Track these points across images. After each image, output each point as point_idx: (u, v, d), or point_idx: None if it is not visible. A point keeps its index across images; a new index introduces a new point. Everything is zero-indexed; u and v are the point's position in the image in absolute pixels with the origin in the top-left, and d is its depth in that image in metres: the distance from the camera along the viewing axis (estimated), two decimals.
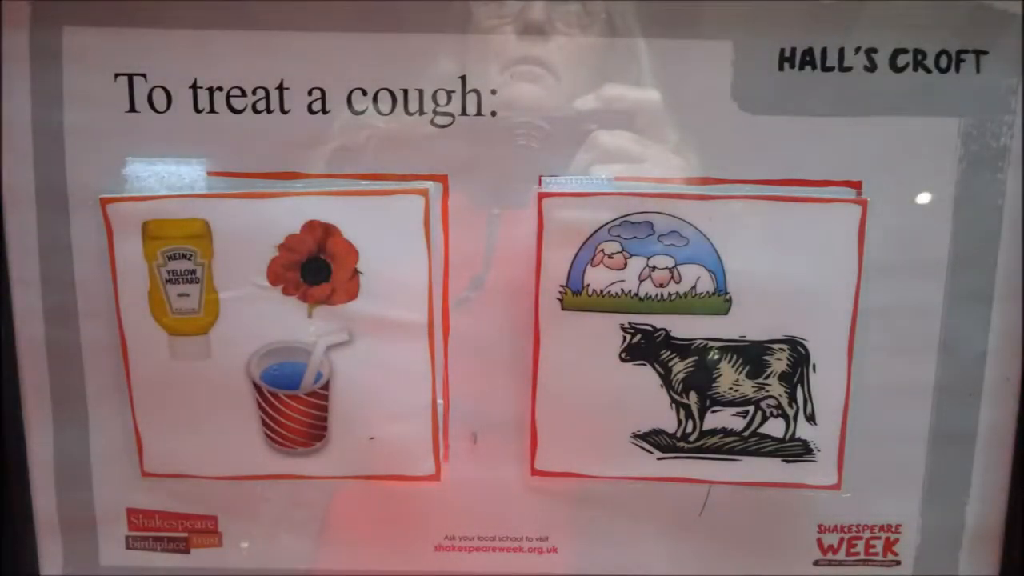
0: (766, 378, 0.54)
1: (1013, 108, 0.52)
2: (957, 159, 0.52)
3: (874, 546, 0.58)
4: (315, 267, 0.53)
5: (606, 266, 0.52)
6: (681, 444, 0.55)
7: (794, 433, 0.55)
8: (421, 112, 0.52)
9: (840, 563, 0.58)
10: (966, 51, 0.51)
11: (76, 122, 0.52)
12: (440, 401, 0.56)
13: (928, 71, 0.51)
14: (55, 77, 0.52)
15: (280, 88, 0.52)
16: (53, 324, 0.55)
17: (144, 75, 0.52)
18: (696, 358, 0.54)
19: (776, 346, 0.53)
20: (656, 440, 0.55)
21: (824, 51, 0.51)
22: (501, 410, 0.56)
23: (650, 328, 0.53)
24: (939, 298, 0.54)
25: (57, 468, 0.58)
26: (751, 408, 0.55)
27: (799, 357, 0.53)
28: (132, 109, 0.52)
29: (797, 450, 0.55)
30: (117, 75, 0.52)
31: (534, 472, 0.57)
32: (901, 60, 0.51)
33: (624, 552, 0.58)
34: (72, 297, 0.55)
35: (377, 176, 0.53)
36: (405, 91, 0.52)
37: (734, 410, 0.55)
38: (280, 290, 0.53)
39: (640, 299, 0.52)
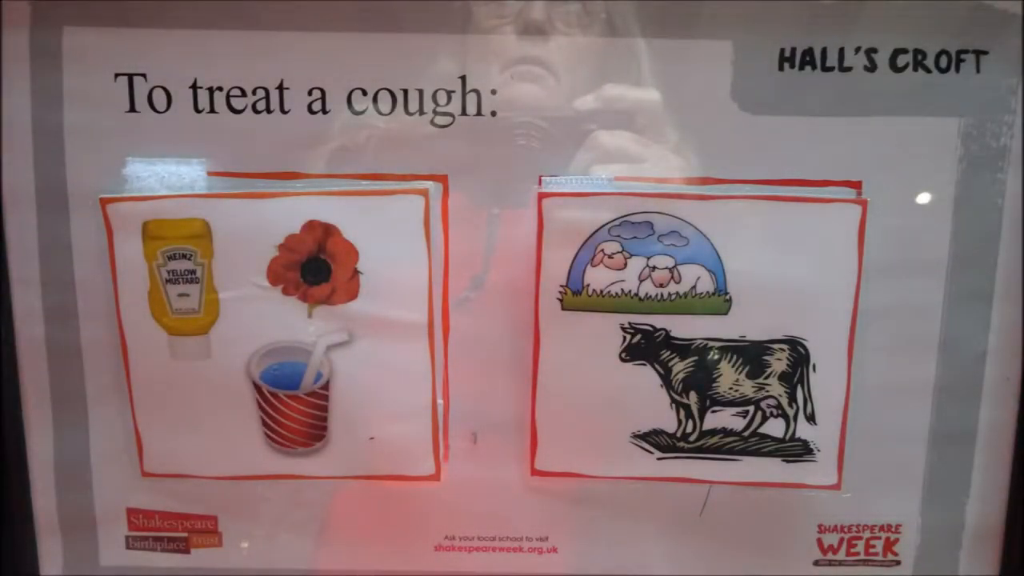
0: (766, 378, 0.54)
1: (1013, 108, 0.52)
2: (957, 159, 0.52)
3: (874, 546, 0.58)
4: (315, 267, 0.53)
5: (606, 266, 0.52)
6: (681, 444, 0.55)
7: (794, 433, 0.55)
8: (421, 112, 0.52)
9: (840, 563, 0.58)
10: (966, 51, 0.51)
11: (76, 122, 0.52)
12: (440, 401, 0.56)
13: (928, 71, 0.51)
14: (55, 77, 0.52)
15: (280, 88, 0.52)
16: (53, 324, 0.55)
17: (144, 75, 0.52)
18: (696, 358, 0.54)
19: (776, 346, 0.53)
20: (656, 440, 0.55)
21: (824, 51, 0.51)
22: (501, 410, 0.56)
23: (650, 328, 0.53)
24: (939, 298, 0.54)
25: (57, 468, 0.58)
26: (751, 408, 0.55)
27: (799, 357, 0.53)
28: (132, 109, 0.52)
29: (797, 450, 0.55)
30: (117, 75, 0.52)
31: (534, 472, 0.56)
32: (901, 60, 0.51)
33: (624, 552, 0.58)
34: (72, 297, 0.55)
35: (377, 176, 0.53)
36: (405, 91, 0.52)
37: (734, 410, 0.55)
38: (280, 290, 0.53)
39: (640, 299, 0.52)
